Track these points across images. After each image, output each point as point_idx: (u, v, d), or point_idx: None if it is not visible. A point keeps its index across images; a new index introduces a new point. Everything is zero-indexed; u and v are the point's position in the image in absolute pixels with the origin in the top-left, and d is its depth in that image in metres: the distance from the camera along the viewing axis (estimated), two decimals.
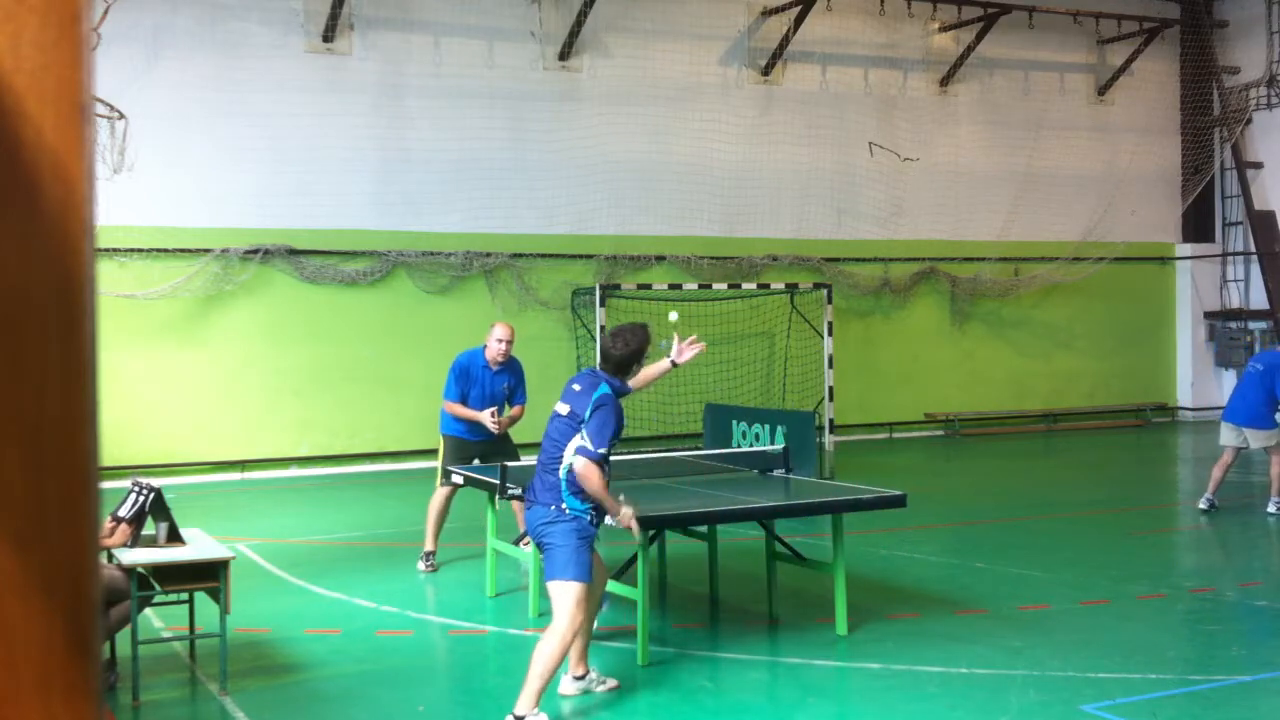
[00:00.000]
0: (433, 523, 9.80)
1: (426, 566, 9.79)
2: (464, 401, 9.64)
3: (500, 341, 9.61)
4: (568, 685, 6.45)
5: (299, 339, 16.09)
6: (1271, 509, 11.79)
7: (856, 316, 19.45)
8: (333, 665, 7.15)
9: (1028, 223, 20.69)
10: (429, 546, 9.82)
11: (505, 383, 9.72)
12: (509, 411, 9.73)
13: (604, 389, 6.20)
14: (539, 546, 6.29)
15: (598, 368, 6.49)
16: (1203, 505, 12.03)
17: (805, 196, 19.08)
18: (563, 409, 6.26)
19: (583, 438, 6.08)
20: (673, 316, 7.57)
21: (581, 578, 5.98)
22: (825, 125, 19.15)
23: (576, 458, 6.05)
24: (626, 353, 6.32)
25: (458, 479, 9.09)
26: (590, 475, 6.02)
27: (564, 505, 6.08)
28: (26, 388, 0.86)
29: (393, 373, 16.48)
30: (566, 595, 5.95)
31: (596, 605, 6.60)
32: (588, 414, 6.11)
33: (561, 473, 6.11)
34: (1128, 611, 8.18)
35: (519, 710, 5.82)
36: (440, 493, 9.79)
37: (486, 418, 9.47)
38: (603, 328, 16.79)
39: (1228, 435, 12.07)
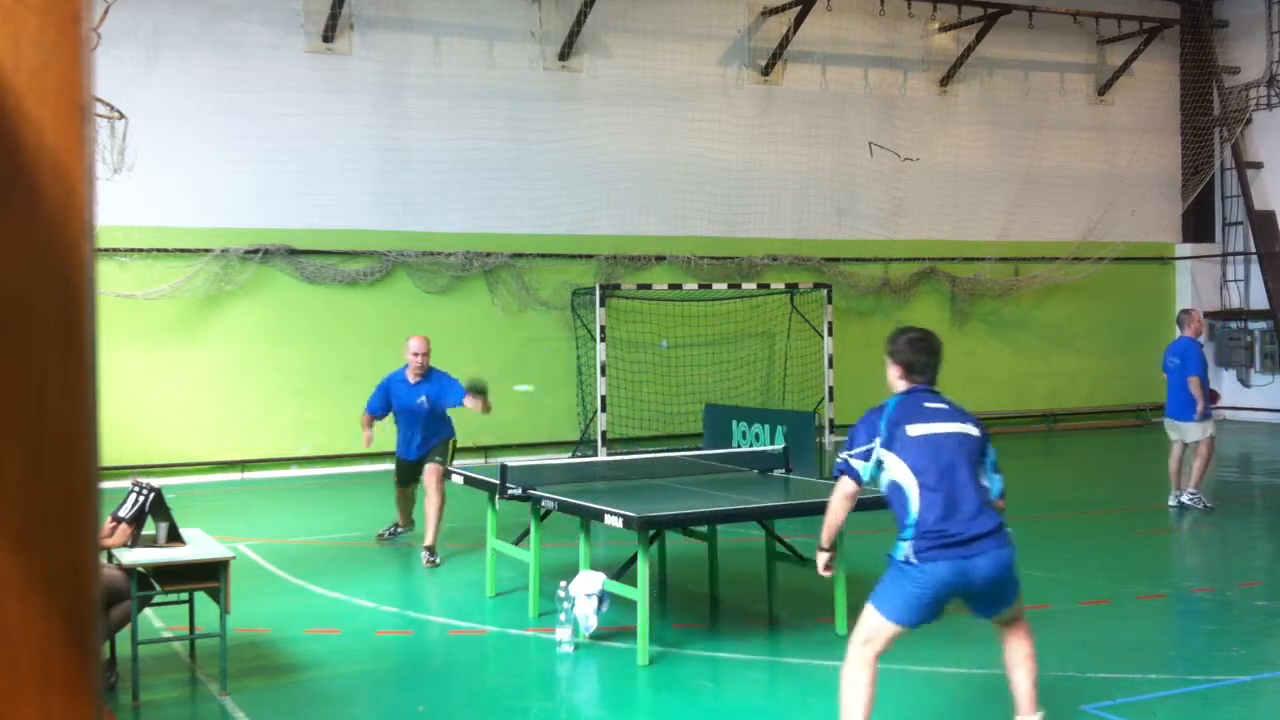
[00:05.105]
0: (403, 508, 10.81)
1: (389, 535, 10.88)
2: (380, 415, 10.36)
3: (415, 355, 10.08)
4: None
5: (299, 339, 16.08)
6: (1171, 501, 11.88)
7: (856, 316, 19.44)
8: (333, 665, 7.15)
9: (1028, 223, 20.69)
10: (402, 522, 10.86)
11: (421, 395, 10.10)
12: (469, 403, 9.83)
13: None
14: (997, 587, 5.09)
15: (927, 385, 5.39)
16: (1171, 503, 12.04)
17: (805, 196, 19.08)
18: (971, 429, 5.21)
19: (987, 454, 5.25)
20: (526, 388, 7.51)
21: None
22: (825, 125, 19.15)
23: (995, 476, 5.25)
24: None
25: (457, 479, 9.23)
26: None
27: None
28: (26, 388, 0.86)
29: None
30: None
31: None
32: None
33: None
34: (1128, 611, 8.17)
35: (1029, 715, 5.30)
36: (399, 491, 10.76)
37: (366, 437, 10.40)
38: (603, 328, 16.80)
39: (1171, 432, 12.12)
